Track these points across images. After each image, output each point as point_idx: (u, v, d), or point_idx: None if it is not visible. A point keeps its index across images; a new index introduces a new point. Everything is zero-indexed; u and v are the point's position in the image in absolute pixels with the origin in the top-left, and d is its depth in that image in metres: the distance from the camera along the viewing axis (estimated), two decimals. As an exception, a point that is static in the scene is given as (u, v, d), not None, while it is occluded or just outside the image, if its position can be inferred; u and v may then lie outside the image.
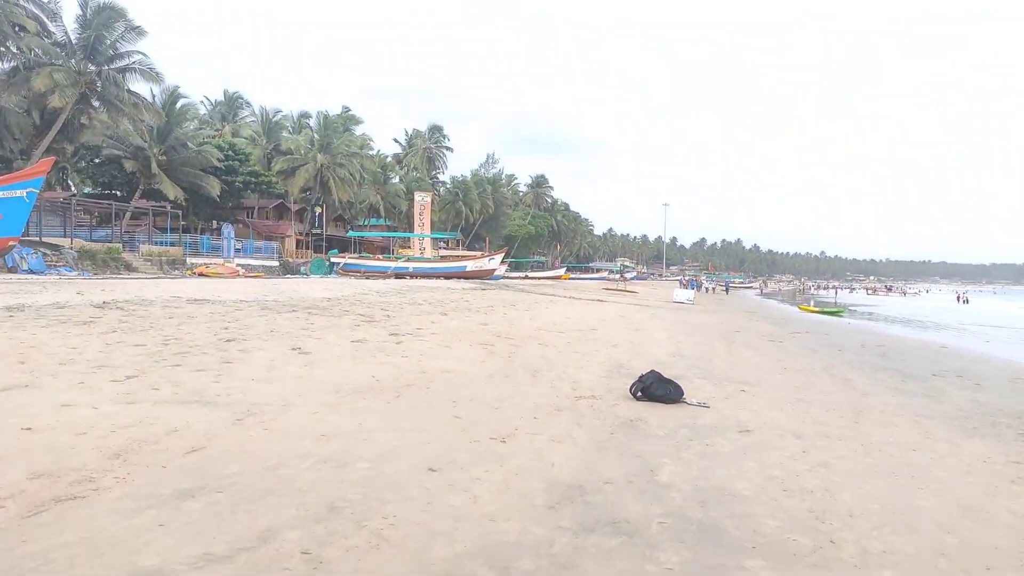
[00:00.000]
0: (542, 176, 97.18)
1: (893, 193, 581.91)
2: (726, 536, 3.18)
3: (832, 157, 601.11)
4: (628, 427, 5.25)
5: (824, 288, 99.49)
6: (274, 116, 56.39)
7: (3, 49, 30.26)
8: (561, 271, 73.78)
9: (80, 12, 32.10)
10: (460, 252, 59.54)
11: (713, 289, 64.30)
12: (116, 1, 32.29)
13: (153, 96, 37.81)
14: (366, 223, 60.68)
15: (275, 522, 3.01)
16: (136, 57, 33.73)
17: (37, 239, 28.43)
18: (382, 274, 38.56)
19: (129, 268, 30.28)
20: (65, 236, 31.24)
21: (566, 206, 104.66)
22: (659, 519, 3.33)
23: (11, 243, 21.78)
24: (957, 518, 3.62)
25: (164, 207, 38.66)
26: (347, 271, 40.43)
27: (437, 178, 76.09)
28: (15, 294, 12.29)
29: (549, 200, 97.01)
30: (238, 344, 7.84)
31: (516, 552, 2.87)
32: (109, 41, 32.77)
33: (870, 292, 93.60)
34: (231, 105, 58.34)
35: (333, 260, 43.14)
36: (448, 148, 77.99)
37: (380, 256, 48.58)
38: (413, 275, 39.38)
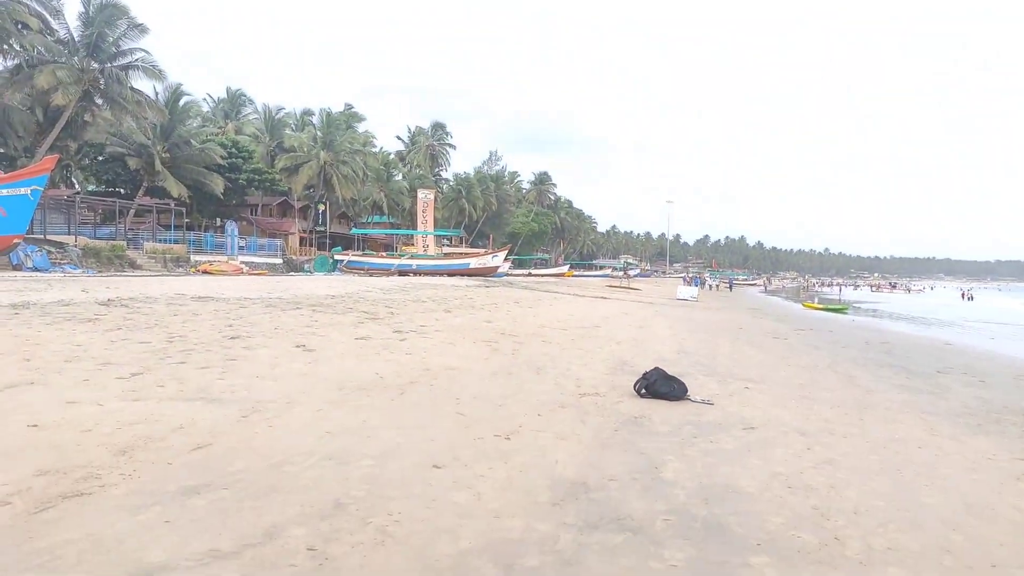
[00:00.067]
0: (545, 173, 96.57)
1: (896, 191, 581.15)
2: (731, 533, 3.17)
3: (835, 155, 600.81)
4: (632, 424, 5.24)
5: (828, 285, 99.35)
6: (277, 113, 56.49)
7: (6, 47, 30.35)
8: (564, 268, 73.74)
9: (83, 9, 32.20)
10: (463, 249, 59.46)
11: (717, 286, 64.07)
12: (118, -1, 32.41)
13: (156, 93, 37.90)
14: (369, 220, 60.69)
15: (280, 519, 3.01)
16: (139, 54, 33.88)
17: (41, 237, 28.55)
18: (386, 271, 38.65)
19: (133, 266, 30.38)
20: (69, 234, 31.37)
21: (569, 203, 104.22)
22: (663, 516, 3.33)
23: (16, 241, 21.87)
24: (962, 515, 3.61)
25: (168, 204, 38.72)
26: (351, 268, 40.51)
27: (440, 175, 76.07)
28: (20, 292, 12.34)
29: (552, 197, 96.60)
30: (242, 341, 7.85)
31: (520, 549, 2.88)
32: (112, 38, 32.85)
33: (874, 289, 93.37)
34: (234, 103, 58.40)
35: (337, 257, 43.25)
36: (451, 145, 78.03)
37: (384, 253, 48.69)
38: (416, 272, 39.43)
